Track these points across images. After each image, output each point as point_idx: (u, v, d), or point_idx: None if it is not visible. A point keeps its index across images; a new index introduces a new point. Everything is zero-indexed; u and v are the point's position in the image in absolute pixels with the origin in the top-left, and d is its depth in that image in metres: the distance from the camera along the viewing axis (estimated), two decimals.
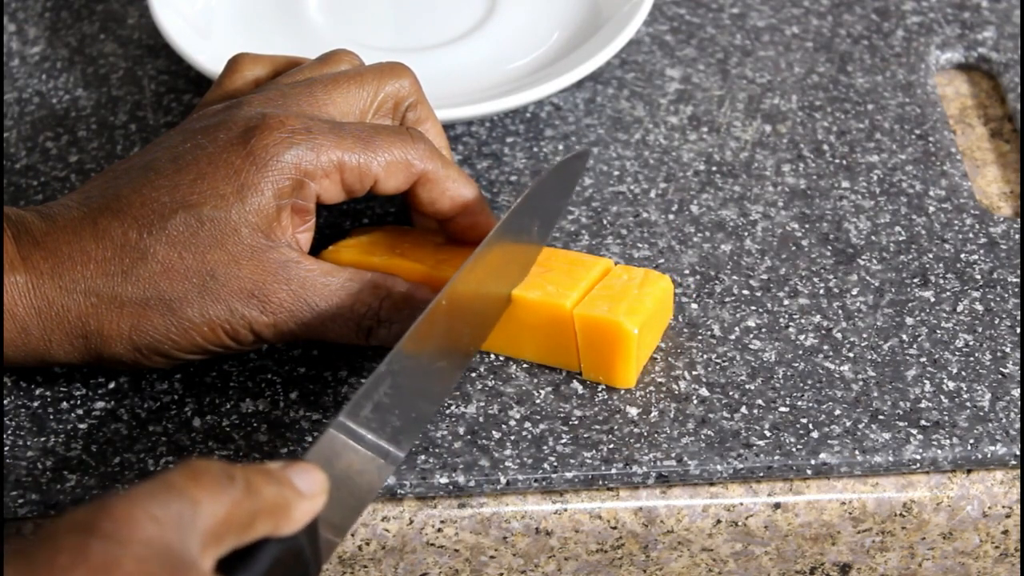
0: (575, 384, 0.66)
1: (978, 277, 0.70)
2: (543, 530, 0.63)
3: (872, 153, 0.76)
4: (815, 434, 0.64)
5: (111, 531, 0.47)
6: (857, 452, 0.63)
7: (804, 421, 0.64)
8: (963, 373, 0.66)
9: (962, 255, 0.71)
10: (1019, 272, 0.70)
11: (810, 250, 0.71)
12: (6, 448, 0.63)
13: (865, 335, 0.68)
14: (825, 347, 0.67)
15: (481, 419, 0.64)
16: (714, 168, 0.75)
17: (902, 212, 0.73)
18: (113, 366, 0.63)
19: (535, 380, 0.66)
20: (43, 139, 0.77)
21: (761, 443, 0.63)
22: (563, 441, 0.63)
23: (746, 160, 0.76)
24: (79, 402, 0.65)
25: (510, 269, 0.65)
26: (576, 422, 0.64)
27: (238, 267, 0.62)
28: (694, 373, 0.66)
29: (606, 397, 0.65)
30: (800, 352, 0.67)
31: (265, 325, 0.62)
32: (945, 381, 0.66)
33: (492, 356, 0.67)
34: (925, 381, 0.66)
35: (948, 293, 0.69)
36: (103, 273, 0.61)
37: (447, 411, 0.65)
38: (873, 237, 0.72)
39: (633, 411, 0.65)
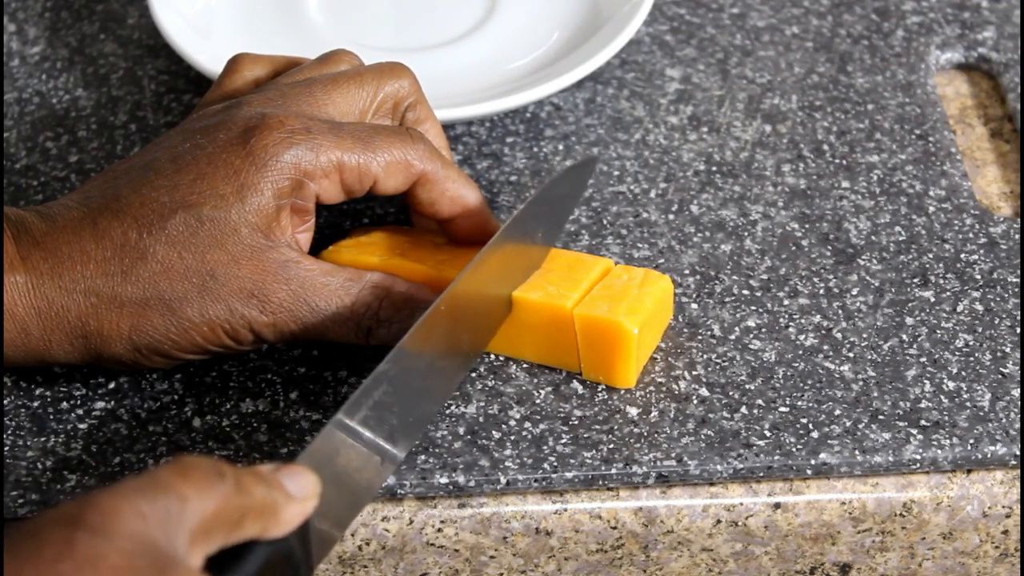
0: (575, 384, 0.66)
1: (978, 277, 0.70)
2: (543, 530, 0.63)
3: (872, 153, 0.76)
4: (815, 434, 0.64)
5: (97, 525, 0.47)
6: (857, 452, 0.63)
7: (804, 421, 0.64)
8: (963, 373, 0.66)
9: (962, 255, 0.71)
10: (1019, 272, 0.70)
11: (810, 250, 0.71)
12: (6, 448, 0.63)
13: (865, 335, 0.68)
14: (825, 347, 0.67)
15: (481, 419, 0.64)
16: (714, 168, 0.75)
17: (902, 212, 0.73)
18: (113, 366, 0.63)
19: (535, 380, 0.66)
20: (43, 139, 0.77)
21: (761, 443, 0.63)
22: (563, 441, 0.63)
23: (746, 160, 0.76)
24: (79, 402, 0.65)
25: (512, 274, 0.65)
26: (576, 422, 0.64)
27: (238, 267, 0.62)
28: (694, 373, 0.66)
29: (606, 397, 0.65)
30: (800, 352, 0.67)
31: (265, 325, 0.62)
32: (945, 381, 0.66)
33: (492, 356, 0.67)
34: (925, 381, 0.66)
35: (948, 293, 0.69)
36: (103, 273, 0.61)
37: (447, 411, 0.65)
38: (873, 237, 0.72)
39: (633, 411, 0.65)
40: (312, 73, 0.67)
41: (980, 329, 0.68)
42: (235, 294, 0.62)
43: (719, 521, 0.63)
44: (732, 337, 0.67)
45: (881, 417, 0.64)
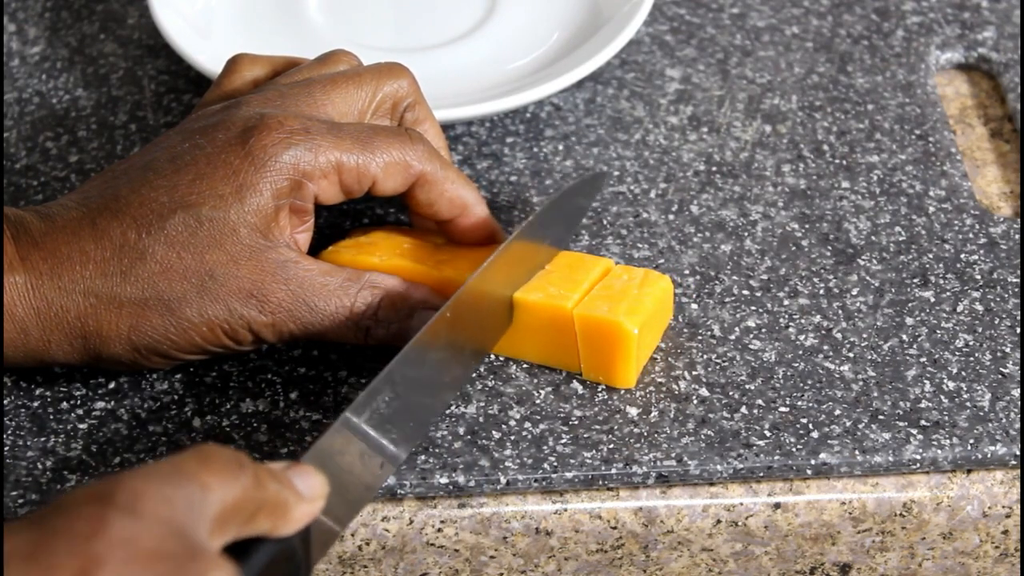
0: (575, 384, 0.66)
1: (978, 277, 0.70)
2: (543, 530, 0.63)
3: (872, 153, 0.76)
4: (815, 434, 0.64)
5: (128, 504, 0.47)
6: (857, 452, 0.63)
7: (804, 421, 0.64)
8: (963, 373, 0.66)
9: (962, 255, 0.71)
10: (1019, 272, 0.70)
11: (810, 250, 0.71)
12: (6, 448, 0.63)
13: (865, 335, 0.68)
14: (825, 347, 0.67)
15: (481, 419, 0.64)
16: (714, 168, 0.75)
17: (902, 212, 0.73)
18: (112, 366, 0.64)
19: (535, 380, 0.66)
20: (43, 139, 0.77)
21: (761, 443, 0.63)
22: (563, 441, 0.63)
23: (746, 160, 0.76)
24: (79, 402, 0.65)
25: (519, 278, 0.65)
26: (576, 422, 0.64)
27: (237, 267, 0.62)
28: (694, 373, 0.66)
29: (606, 397, 0.65)
30: (800, 352, 0.67)
31: (264, 325, 0.63)
32: (945, 381, 0.66)
33: (492, 356, 0.67)
34: (925, 381, 0.66)
35: (948, 293, 0.69)
36: (102, 273, 0.61)
37: (447, 411, 0.65)
38: (873, 237, 0.72)
39: (633, 411, 0.65)
40: (311, 73, 0.67)
41: (980, 329, 0.68)
42: (234, 294, 0.62)
43: (719, 521, 0.63)
44: (732, 337, 0.67)
45: (881, 417, 0.64)
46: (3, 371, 0.66)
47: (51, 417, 0.65)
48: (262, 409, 0.65)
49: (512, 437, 0.64)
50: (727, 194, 0.74)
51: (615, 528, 0.63)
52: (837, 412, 0.65)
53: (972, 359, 0.67)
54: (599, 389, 0.65)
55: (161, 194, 0.62)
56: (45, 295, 0.61)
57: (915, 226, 0.72)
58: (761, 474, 0.63)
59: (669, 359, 0.67)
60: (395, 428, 0.59)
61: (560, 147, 0.77)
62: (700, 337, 0.67)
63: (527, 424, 0.64)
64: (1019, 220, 0.73)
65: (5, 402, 0.65)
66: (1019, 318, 0.68)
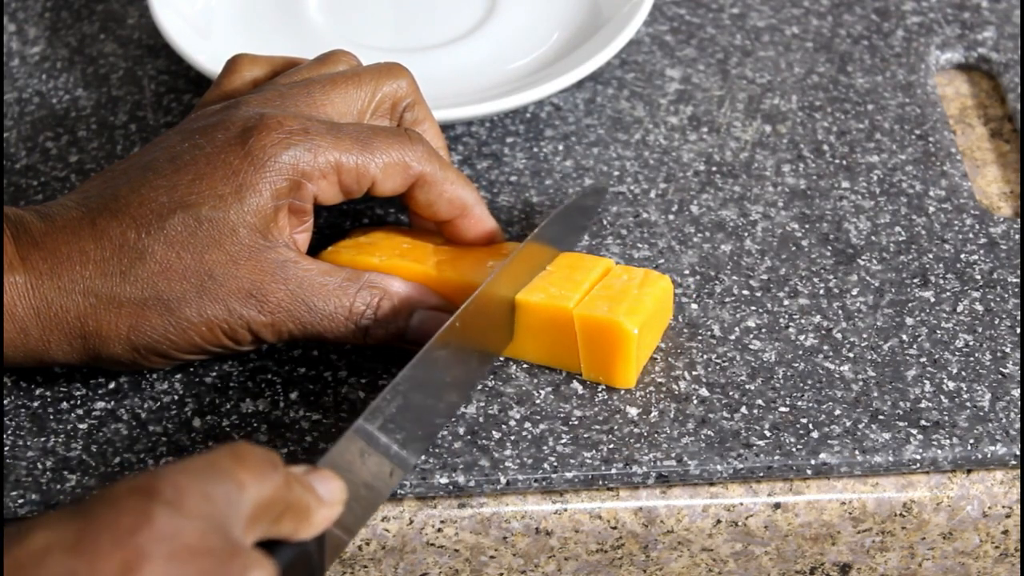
0: (575, 384, 0.66)
1: (978, 277, 0.70)
2: (543, 530, 0.63)
3: (872, 153, 0.76)
4: (815, 434, 0.64)
5: (172, 499, 0.47)
6: (857, 452, 0.63)
7: (804, 421, 0.64)
8: (963, 373, 0.66)
9: (962, 255, 0.71)
10: (1019, 272, 0.70)
11: (810, 250, 0.71)
12: (6, 448, 0.63)
13: (865, 335, 0.68)
14: (825, 347, 0.67)
15: (481, 419, 0.64)
16: (714, 168, 0.75)
17: (902, 212, 0.73)
18: (111, 366, 0.64)
19: (535, 380, 0.66)
20: (43, 139, 0.77)
21: (761, 443, 0.63)
22: (563, 441, 0.63)
23: (746, 160, 0.76)
24: (79, 402, 0.65)
25: (520, 284, 0.66)
26: (576, 422, 0.64)
27: (236, 267, 0.62)
28: (694, 373, 0.66)
29: (606, 397, 0.65)
30: (800, 352, 0.67)
31: (263, 325, 0.63)
32: (945, 381, 0.66)
33: None
34: (925, 381, 0.66)
35: (948, 293, 0.69)
36: (102, 273, 0.61)
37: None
38: (873, 237, 0.72)
39: (633, 411, 0.65)
40: (310, 73, 0.67)
41: (980, 329, 0.68)
42: (233, 294, 0.62)
43: (719, 521, 0.63)
44: (732, 337, 0.67)
45: (881, 417, 0.64)
46: (3, 371, 0.66)
47: (51, 417, 0.65)
48: (262, 409, 0.65)
49: (512, 437, 0.64)
50: (727, 194, 0.74)
51: (615, 528, 0.63)
52: (837, 412, 0.65)
53: (972, 359, 0.67)
54: (599, 389, 0.65)
55: (161, 194, 0.62)
56: (45, 295, 0.61)
57: (915, 226, 0.72)
58: (761, 474, 0.63)
59: (669, 359, 0.67)
60: (405, 435, 0.60)
61: (560, 147, 0.77)
62: (700, 337, 0.67)
63: (527, 424, 0.64)
64: (1019, 220, 0.73)
65: (5, 402, 0.65)
66: (1019, 318, 0.68)
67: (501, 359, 0.67)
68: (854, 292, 0.69)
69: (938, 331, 0.68)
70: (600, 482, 0.63)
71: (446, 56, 0.81)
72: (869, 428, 0.64)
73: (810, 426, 0.64)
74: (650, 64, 0.81)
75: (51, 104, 0.79)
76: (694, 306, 0.69)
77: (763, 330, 0.68)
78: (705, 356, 0.67)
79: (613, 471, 0.63)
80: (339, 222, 0.73)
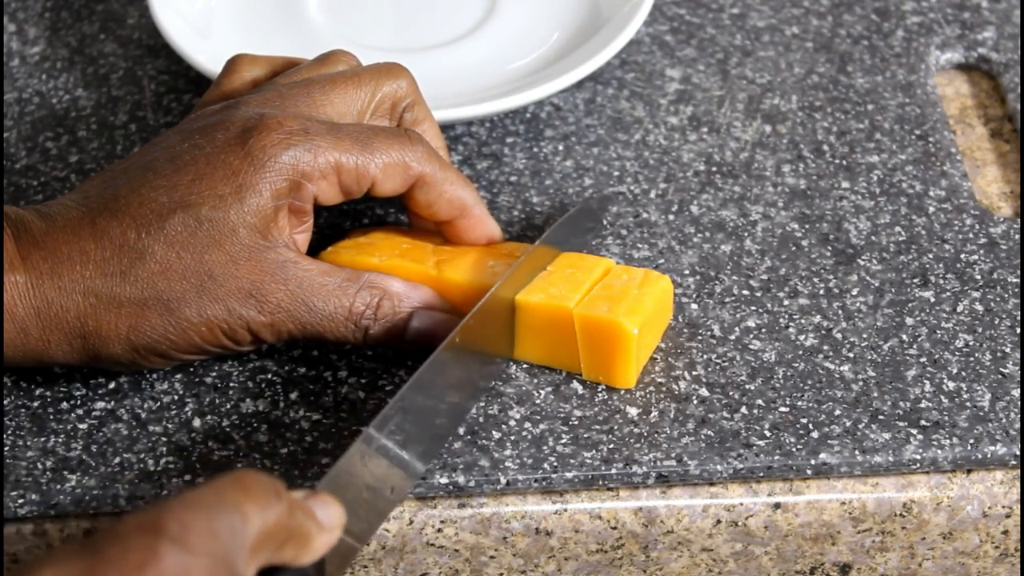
0: (575, 384, 0.66)
1: (978, 277, 0.70)
2: (543, 530, 0.63)
3: (872, 153, 0.76)
4: (815, 434, 0.64)
5: (178, 536, 0.47)
6: (857, 452, 0.63)
7: (804, 421, 0.64)
8: (963, 373, 0.66)
9: (962, 255, 0.71)
10: (1019, 272, 0.70)
11: (810, 250, 0.71)
12: (6, 448, 0.63)
13: (865, 335, 0.68)
14: (825, 347, 0.67)
15: (481, 419, 0.64)
16: (714, 168, 0.75)
17: (902, 212, 0.73)
18: (111, 367, 0.64)
19: (535, 380, 0.66)
20: (43, 139, 0.77)
21: (761, 443, 0.63)
22: (563, 441, 0.63)
23: (746, 160, 0.76)
24: (79, 402, 0.65)
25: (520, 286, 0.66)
26: (576, 422, 0.64)
27: (236, 267, 0.62)
28: (694, 373, 0.66)
29: (606, 397, 0.65)
30: (800, 352, 0.67)
31: (263, 325, 0.63)
32: (945, 381, 0.66)
33: None
34: (925, 381, 0.66)
35: (948, 293, 0.69)
36: (102, 273, 0.61)
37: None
38: (873, 237, 0.72)
39: (633, 411, 0.65)
40: (310, 74, 0.67)
41: (980, 329, 0.68)
42: (233, 294, 0.62)
43: (719, 521, 0.63)
44: (732, 337, 0.67)
45: (881, 417, 0.64)
46: (3, 371, 0.66)
47: (51, 417, 0.65)
48: (262, 409, 0.65)
49: (512, 437, 0.64)
50: (727, 194, 0.74)
51: (615, 528, 0.63)
52: (837, 412, 0.64)
53: (972, 359, 0.67)
54: (599, 389, 0.65)
55: (161, 194, 0.62)
56: (45, 295, 0.61)
57: (915, 226, 0.72)
58: (761, 474, 0.63)
59: (669, 359, 0.67)
60: (417, 442, 0.60)
61: (560, 147, 0.77)
62: (700, 337, 0.67)
63: (527, 424, 0.64)
64: (1019, 220, 0.73)
65: (5, 402, 0.65)
66: (1019, 318, 0.68)
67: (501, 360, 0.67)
68: (854, 292, 0.69)
69: (938, 331, 0.68)
70: (600, 482, 0.63)
71: (446, 56, 0.81)
72: (869, 428, 0.64)
73: (810, 426, 0.64)
74: (650, 64, 0.81)
75: (51, 104, 0.79)
76: (694, 306, 0.69)
77: (763, 330, 0.68)
78: (705, 356, 0.67)
79: (613, 471, 0.63)
80: (339, 222, 0.73)
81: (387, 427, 0.58)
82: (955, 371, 0.66)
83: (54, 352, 0.62)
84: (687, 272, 0.70)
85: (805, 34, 0.83)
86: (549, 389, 0.65)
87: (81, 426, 0.64)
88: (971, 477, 0.64)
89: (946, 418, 0.64)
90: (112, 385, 0.66)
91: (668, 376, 0.66)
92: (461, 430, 0.64)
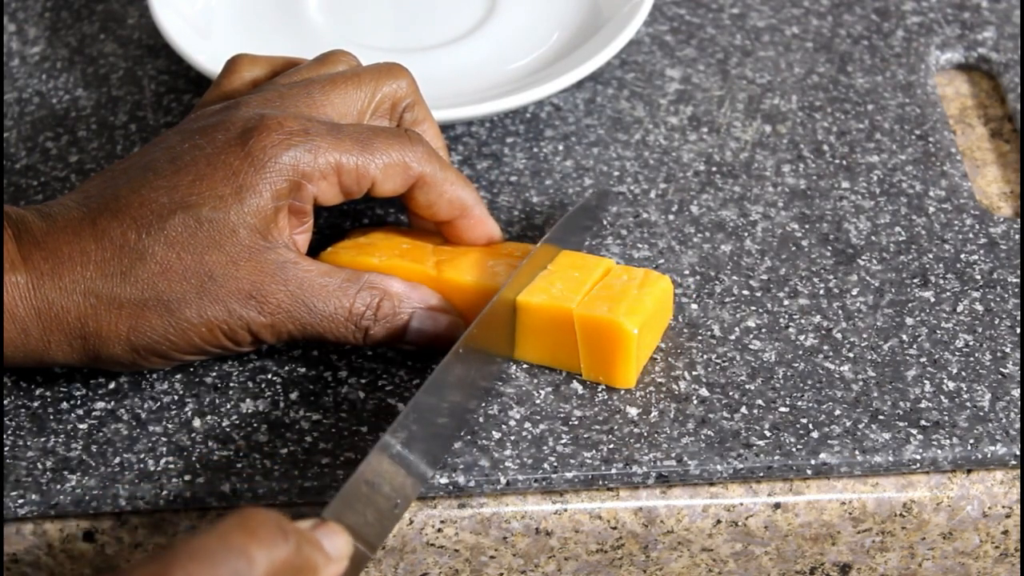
0: (575, 384, 0.66)
1: (978, 277, 0.70)
2: (543, 530, 0.63)
3: (872, 153, 0.76)
4: (815, 434, 0.64)
5: None
6: (857, 452, 0.63)
7: (804, 421, 0.64)
8: (963, 373, 0.66)
9: (962, 255, 0.71)
10: (1019, 272, 0.70)
11: (810, 250, 0.71)
12: (6, 448, 0.63)
13: (865, 335, 0.68)
14: (825, 347, 0.67)
15: (481, 419, 0.64)
16: (714, 168, 0.75)
17: (902, 212, 0.73)
18: (111, 367, 0.63)
19: (535, 380, 0.66)
20: (43, 139, 0.77)
21: (761, 443, 0.63)
22: (563, 441, 0.63)
23: (746, 160, 0.76)
24: (79, 402, 0.65)
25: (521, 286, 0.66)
26: (576, 422, 0.64)
27: (236, 268, 0.62)
28: (694, 373, 0.66)
29: (606, 397, 0.65)
30: (800, 352, 0.67)
31: (263, 326, 0.62)
32: (945, 381, 0.66)
33: None
34: (925, 381, 0.66)
35: (948, 293, 0.69)
36: (102, 274, 0.61)
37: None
38: (873, 237, 0.72)
39: (633, 411, 0.65)
40: (310, 74, 0.67)
41: (980, 329, 0.68)
42: (233, 295, 0.62)
43: (719, 521, 0.63)
44: (732, 337, 0.67)
45: (881, 417, 0.64)
46: (3, 371, 0.66)
47: (51, 417, 0.65)
48: (262, 409, 0.65)
49: (512, 437, 0.64)
50: (727, 194, 0.74)
51: (615, 528, 0.63)
52: (837, 412, 0.65)
53: (972, 359, 0.67)
54: (599, 389, 0.65)
55: (161, 195, 0.62)
56: (46, 295, 0.61)
57: (915, 226, 0.72)
58: (761, 474, 0.63)
59: (669, 359, 0.67)
60: (427, 447, 0.60)
61: (560, 147, 0.77)
62: (700, 337, 0.67)
63: (527, 424, 0.64)
64: (1019, 220, 0.73)
65: (5, 402, 0.65)
66: (1019, 318, 0.68)
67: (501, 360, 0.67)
68: (854, 292, 0.69)
69: (938, 331, 0.68)
70: (600, 482, 0.63)
71: (446, 56, 0.81)
72: (869, 428, 0.64)
73: (810, 426, 0.64)
74: (650, 64, 0.81)
75: (51, 104, 0.79)
76: (694, 306, 0.69)
77: (763, 330, 0.68)
78: (705, 356, 0.67)
79: (613, 471, 0.63)
80: (339, 222, 0.73)
81: (402, 433, 0.58)
82: (955, 371, 0.66)
83: (54, 352, 0.62)
84: (687, 272, 0.70)
85: (805, 34, 0.83)
86: (549, 389, 0.65)
87: (81, 426, 0.64)
88: (971, 477, 0.64)
89: (946, 418, 0.64)
90: (112, 385, 0.66)
91: (668, 376, 0.66)
92: (463, 431, 0.64)
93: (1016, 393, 0.65)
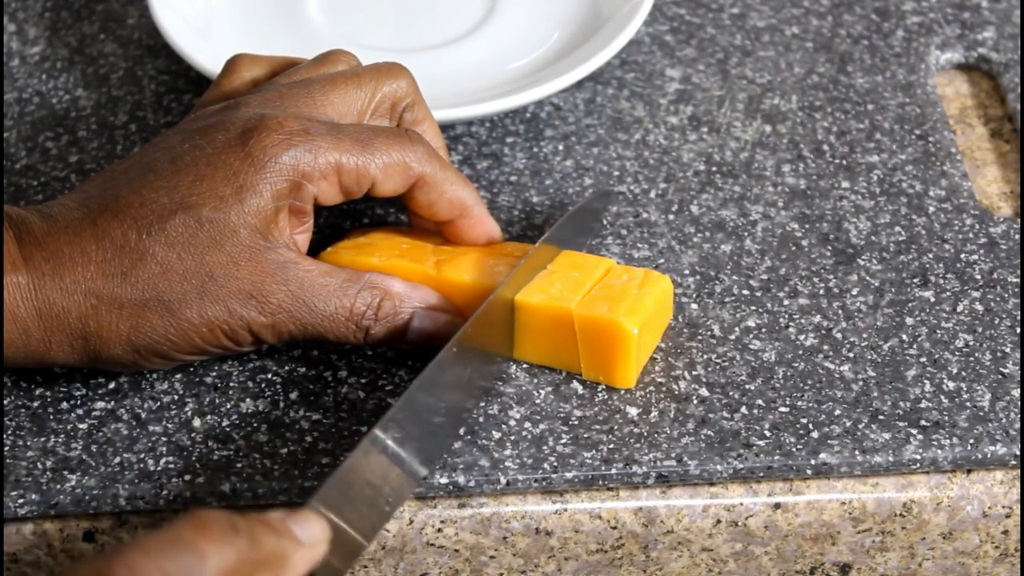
0: (575, 384, 0.66)
1: (978, 277, 0.70)
2: (543, 530, 0.63)
3: (872, 153, 0.76)
4: (815, 434, 0.64)
5: None
6: (857, 452, 0.63)
7: (804, 421, 0.64)
8: (963, 373, 0.66)
9: (962, 255, 0.71)
10: (1019, 272, 0.70)
11: (810, 250, 0.71)
12: (6, 448, 0.63)
13: (865, 335, 0.68)
14: (825, 347, 0.67)
15: (481, 419, 0.64)
16: (714, 168, 0.75)
17: (902, 212, 0.73)
18: (112, 367, 0.64)
19: (535, 380, 0.66)
20: (43, 139, 0.77)
21: (761, 443, 0.63)
22: (563, 441, 0.63)
23: (746, 160, 0.76)
24: (79, 402, 0.65)
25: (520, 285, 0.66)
26: (576, 422, 0.64)
27: (237, 268, 0.62)
28: (694, 373, 0.66)
29: (606, 397, 0.65)
30: (800, 352, 0.67)
31: (263, 326, 0.63)
32: (945, 381, 0.66)
33: None
34: (925, 381, 0.66)
35: (948, 293, 0.69)
36: (103, 274, 0.61)
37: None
38: (873, 237, 0.72)
39: (633, 411, 0.65)
40: (310, 73, 0.67)
41: (980, 329, 0.68)
42: (234, 295, 0.62)
43: (719, 521, 0.63)
44: (732, 337, 0.67)
45: (881, 417, 0.64)
46: (3, 371, 0.66)
47: (51, 417, 0.65)
48: (262, 409, 0.65)
49: (512, 437, 0.64)
50: (727, 194, 0.74)
51: (615, 528, 0.63)
52: (837, 412, 0.65)
53: (972, 359, 0.67)
54: (599, 389, 0.65)
55: (161, 195, 0.62)
56: (47, 296, 0.61)
57: (915, 226, 0.72)
58: (761, 474, 0.63)
59: (669, 359, 0.67)
60: (420, 442, 0.60)
61: (560, 147, 0.77)
62: (700, 337, 0.67)
63: (527, 424, 0.64)
64: (1019, 220, 0.73)
65: (5, 402, 0.65)
66: (1019, 318, 0.68)
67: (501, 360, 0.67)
68: (854, 292, 0.69)
69: (938, 331, 0.68)
70: (600, 482, 0.63)
71: (446, 56, 0.81)
72: (869, 428, 0.64)
73: (810, 426, 0.64)
74: (650, 64, 0.81)
75: (51, 104, 0.79)
76: (694, 306, 0.69)
77: (763, 330, 0.68)
78: (705, 356, 0.67)
79: (613, 471, 0.63)
80: (339, 222, 0.73)
81: (392, 428, 0.58)
82: (955, 371, 0.66)
83: (55, 353, 0.62)
84: (687, 272, 0.70)
85: (805, 34, 0.83)
86: (549, 389, 0.65)
87: (81, 426, 0.64)
88: (971, 477, 0.64)
89: (946, 418, 0.64)
90: (112, 385, 0.66)
91: (668, 376, 0.66)
92: (461, 430, 0.64)
93: (1016, 393, 0.65)
